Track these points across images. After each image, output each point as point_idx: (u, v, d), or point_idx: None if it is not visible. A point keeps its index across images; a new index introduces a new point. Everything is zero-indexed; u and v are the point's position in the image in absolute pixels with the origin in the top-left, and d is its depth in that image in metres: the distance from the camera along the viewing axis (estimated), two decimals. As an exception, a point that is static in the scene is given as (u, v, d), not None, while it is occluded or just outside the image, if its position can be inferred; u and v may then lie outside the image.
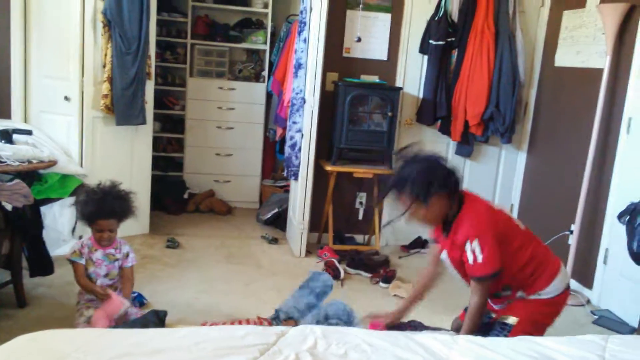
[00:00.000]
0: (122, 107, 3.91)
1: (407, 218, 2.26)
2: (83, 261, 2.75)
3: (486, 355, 1.67)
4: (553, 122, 4.32)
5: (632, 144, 3.52)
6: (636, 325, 3.26)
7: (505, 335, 2.24)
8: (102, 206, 2.67)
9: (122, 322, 2.61)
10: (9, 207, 2.86)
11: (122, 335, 1.75)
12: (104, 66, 3.85)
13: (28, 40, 3.93)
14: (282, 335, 1.77)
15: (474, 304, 2.20)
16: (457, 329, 2.62)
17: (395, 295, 3.63)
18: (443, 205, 2.24)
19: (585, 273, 3.85)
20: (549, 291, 2.32)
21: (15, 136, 3.48)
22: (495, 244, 2.18)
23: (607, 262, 3.66)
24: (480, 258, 2.15)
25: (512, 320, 2.30)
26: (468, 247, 2.17)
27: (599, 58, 3.80)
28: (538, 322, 2.33)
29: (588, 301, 3.73)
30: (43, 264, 3.16)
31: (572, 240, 3.83)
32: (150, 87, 4.17)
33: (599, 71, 3.74)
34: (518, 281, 2.32)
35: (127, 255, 2.83)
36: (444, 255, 2.38)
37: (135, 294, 3.08)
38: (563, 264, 2.42)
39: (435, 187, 2.19)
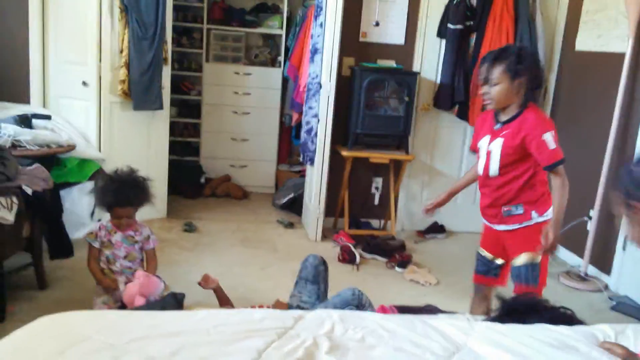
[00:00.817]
0: (139, 92, 3.93)
1: (487, 87, 2.41)
2: (97, 244, 2.79)
3: (504, 342, 1.66)
4: (573, 107, 4.26)
5: (653, 129, 3.46)
6: (655, 312, 3.23)
7: (538, 275, 2.44)
8: (119, 195, 2.70)
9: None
10: (29, 191, 2.89)
11: (142, 318, 1.77)
12: (121, 51, 3.87)
13: (46, 26, 3.95)
14: (299, 319, 1.78)
15: (561, 185, 2.38)
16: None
17: (411, 280, 3.63)
18: (520, 92, 2.38)
19: (603, 259, 3.81)
20: (548, 213, 2.46)
21: (34, 121, 3.52)
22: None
23: (625, 248, 3.62)
24: (554, 146, 2.37)
25: (537, 259, 2.44)
26: (547, 136, 2.34)
27: (621, 42, 3.73)
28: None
29: (606, 287, 3.71)
30: (63, 247, 3.21)
31: (591, 227, 3.80)
32: (166, 72, 4.18)
33: (621, 55, 3.67)
34: (535, 194, 2.46)
35: (147, 238, 2.87)
36: (496, 143, 2.46)
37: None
38: None
39: (528, 74, 2.36)
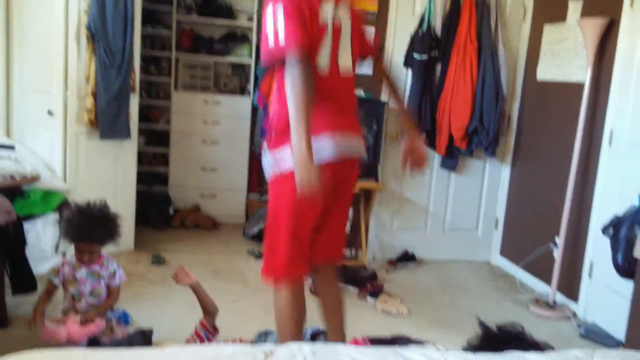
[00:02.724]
0: (106, 121, 3.87)
1: None
2: (56, 281, 2.72)
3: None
4: (536, 134, 4.37)
5: (614, 156, 3.56)
6: (622, 338, 3.28)
7: None
8: (84, 230, 2.63)
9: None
10: (-9, 224, 2.80)
11: (108, 356, 1.71)
12: (88, 80, 3.82)
13: (10, 54, 3.90)
14: (270, 354, 1.75)
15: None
16: None
17: (383, 310, 3.62)
18: None
19: (570, 286, 3.87)
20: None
21: (-3, 152, 3.44)
22: None
23: (592, 275, 3.68)
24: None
25: None
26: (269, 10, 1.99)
27: (580, 71, 3.86)
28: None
29: (574, 314, 3.75)
30: (26, 282, 3.11)
31: (557, 253, 3.86)
32: (134, 101, 4.13)
33: (580, 84, 3.79)
34: None
35: (114, 274, 2.78)
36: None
37: (121, 312, 3.04)
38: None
39: None
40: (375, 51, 2.34)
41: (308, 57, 1.96)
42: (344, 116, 2.19)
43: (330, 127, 2.09)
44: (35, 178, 3.43)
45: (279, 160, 2.10)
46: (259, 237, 4.82)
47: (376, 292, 3.77)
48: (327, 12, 2.07)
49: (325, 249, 2.39)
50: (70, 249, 2.89)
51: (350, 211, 4.56)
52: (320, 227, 2.28)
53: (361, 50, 2.29)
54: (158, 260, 4.10)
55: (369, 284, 3.87)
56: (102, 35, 3.75)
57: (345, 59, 2.15)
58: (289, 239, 2.16)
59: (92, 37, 3.76)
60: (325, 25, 2.07)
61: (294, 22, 1.95)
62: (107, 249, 2.85)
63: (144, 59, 4.94)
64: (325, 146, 2.05)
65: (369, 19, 4.36)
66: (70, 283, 2.71)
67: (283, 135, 2.03)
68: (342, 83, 2.19)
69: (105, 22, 3.74)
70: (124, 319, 3.03)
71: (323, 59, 2.09)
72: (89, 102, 3.82)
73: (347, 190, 2.38)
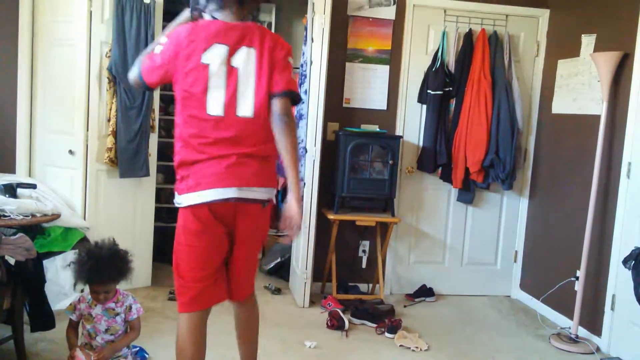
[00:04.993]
0: (125, 160, 3.95)
1: None
2: (74, 317, 2.73)
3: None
4: (553, 168, 4.35)
5: (633, 189, 3.53)
6: (648, 373, 3.19)
7: None
8: (94, 272, 2.63)
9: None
10: (12, 261, 2.85)
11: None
12: (109, 120, 3.92)
13: (34, 96, 4.02)
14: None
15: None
16: None
17: (401, 345, 3.57)
18: None
19: (593, 320, 3.79)
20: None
21: (19, 190, 3.50)
22: None
23: (614, 308, 3.61)
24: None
25: None
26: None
27: (596, 105, 3.86)
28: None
29: (598, 349, 3.66)
30: (44, 319, 3.12)
31: (579, 287, 3.80)
32: (153, 140, 4.22)
33: (596, 117, 3.79)
34: None
35: (130, 309, 2.78)
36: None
37: (137, 349, 3.04)
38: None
39: None
40: (273, 93, 2.25)
41: (146, 80, 2.43)
42: (240, 168, 2.24)
43: (219, 185, 2.21)
44: (55, 216, 3.49)
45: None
46: (275, 272, 4.83)
47: (394, 327, 3.73)
48: (213, 56, 2.21)
49: (232, 287, 2.60)
50: (87, 287, 2.91)
51: (367, 244, 4.56)
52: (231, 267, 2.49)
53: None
54: (175, 296, 4.07)
55: (386, 319, 3.83)
56: (123, 77, 3.86)
57: (245, 103, 2.23)
58: (174, 270, 2.40)
59: (114, 79, 3.87)
60: (206, 67, 2.21)
61: (156, 53, 2.34)
62: (125, 286, 2.87)
63: (163, 99, 5.04)
64: (210, 194, 2.21)
65: (382, 58, 4.42)
66: (86, 320, 2.72)
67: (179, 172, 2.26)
68: (241, 126, 2.23)
69: (127, 64, 3.85)
70: (141, 355, 3.03)
71: (214, 101, 2.21)
72: (110, 141, 3.91)
73: (245, 230, 2.40)
